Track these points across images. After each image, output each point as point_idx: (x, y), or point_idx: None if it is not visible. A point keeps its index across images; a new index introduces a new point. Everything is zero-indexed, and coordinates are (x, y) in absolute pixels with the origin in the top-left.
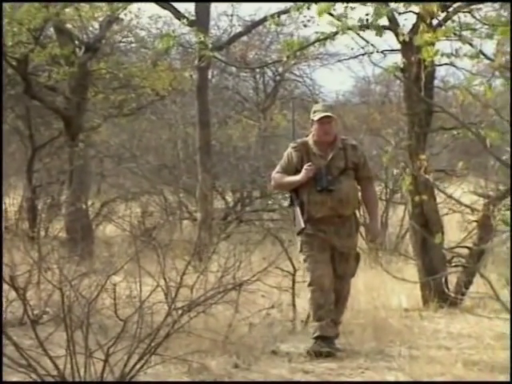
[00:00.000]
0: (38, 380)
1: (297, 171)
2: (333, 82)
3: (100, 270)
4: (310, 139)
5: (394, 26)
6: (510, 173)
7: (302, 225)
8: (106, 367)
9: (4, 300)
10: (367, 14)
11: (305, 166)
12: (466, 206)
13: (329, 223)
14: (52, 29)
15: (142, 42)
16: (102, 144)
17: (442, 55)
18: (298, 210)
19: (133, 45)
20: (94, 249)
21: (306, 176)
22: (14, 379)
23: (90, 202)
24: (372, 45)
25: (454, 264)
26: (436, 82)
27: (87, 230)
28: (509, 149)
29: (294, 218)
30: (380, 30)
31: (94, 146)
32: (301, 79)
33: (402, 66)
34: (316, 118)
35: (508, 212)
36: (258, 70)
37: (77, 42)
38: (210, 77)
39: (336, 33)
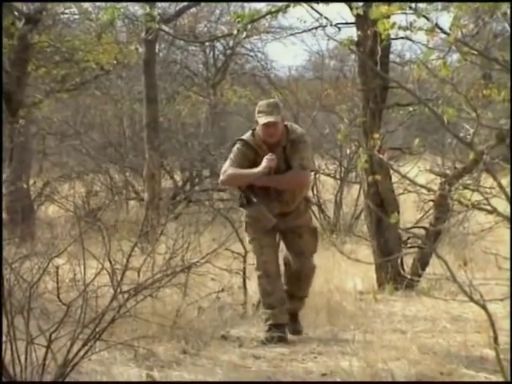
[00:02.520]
0: None
1: (248, 168)
2: (286, 56)
3: (42, 253)
4: (256, 137)
5: None
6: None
7: (274, 220)
8: (49, 354)
9: None
10: None
11: (266, 157)
12: (421, 186)
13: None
14: None
15: (86, 14)
16: (43, 120)
17: (399, 28)
18: (262, 207)
19: (76, 16)
20: (36, 230)
21: (268, 165)
22: None
23: (31, 182)
24: (326, 18)
25: (409, 245)
26: (392, 57)
27: (28, 210)
28: (466, 125)
29: (256, 217)
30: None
31: (36, 122)
32: (252, 53)
33: (356, 39)
34: (260, 123)
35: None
36: (207, 44)
37: (16, 13)
38: (157, 50)
39: (288, 5)
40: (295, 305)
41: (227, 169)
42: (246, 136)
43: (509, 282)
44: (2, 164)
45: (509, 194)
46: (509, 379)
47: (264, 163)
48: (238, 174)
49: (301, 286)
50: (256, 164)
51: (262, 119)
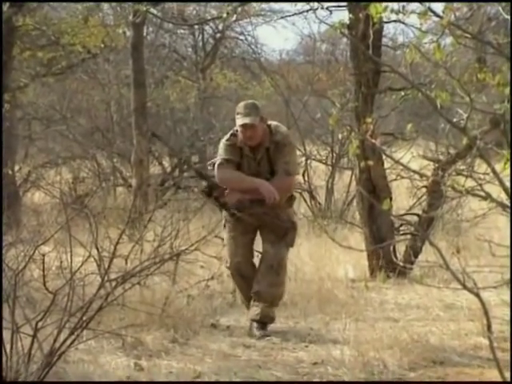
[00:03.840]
0: None
1: (238, 165)
2: (276, 39)
3: (28, 240)
4: (238, 137)
5: None
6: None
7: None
8: (35, 343)
9: None
10: None
11: (267, 188)
12: (414, 171)
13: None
14: None
15: None
16: (29, 105)
17: (392, 11)
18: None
19: None
20: (22, 217)
21: (268, 197)
22: None
23: (16, 168)
24: (317, 0)
25: (402, 232)
26: (385, 41)
27: (14, 197)
28: (460, 110)
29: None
30: None
31: (21, 107)
32: (242, 37)
33: (348, 22)
34: (238, 124)
35: (459, 177)
36: (196, 27)
37: None
38: (145, 34)
39: None
40: (265, 309)
41: (223, 169)
42: (227, 138)
43: (506, 270)
44: (1, 160)
45: (505, 181)
46: (509, 379)
47: (265, 191)
48: (240, 180)
49: (271, 281)
50: (240, 165)
51: (239, 121)
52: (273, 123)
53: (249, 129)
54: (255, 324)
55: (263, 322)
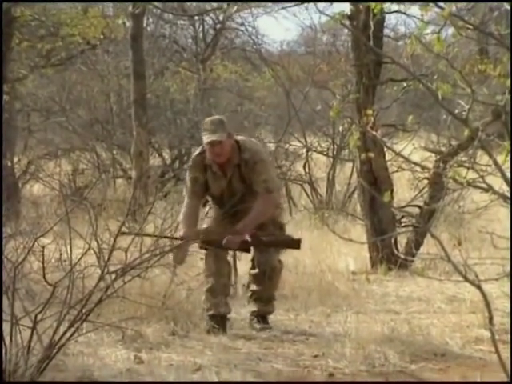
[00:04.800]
0: None
1: (206, 189)
2: (277, 30)
3: (27, 232)
4: (207, 155)
5: None
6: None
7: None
8: (34, 335)
9: None
10: None
11: (229, 239)
12: (416, 163)
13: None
14: None
15: None
16: (28, 96)
17: (393, 2)
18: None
19: None
20: (21, 209)
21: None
22: None
23: (15, 159)
24: None
25: (403, 224)
26: (386, 32)
27: (13, 188)
28: (461, 101)
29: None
30: None
31: (20, 98)
32: (243, 28)
33: (349, 13)
34: (205, 141)
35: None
36: (196, 18)
37: None
38: (145, 25)
39: None
40: (262, 308)
41: (187, 208)
42: (196, 155)
43: (508, 262)
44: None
45: (507, 173)
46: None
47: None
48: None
49: (265, 286)
50: (208, 183)
51: (206, 138)
52: (241, 139)
53: (216, 146)
54: (255, 317)
55: (263, 315)
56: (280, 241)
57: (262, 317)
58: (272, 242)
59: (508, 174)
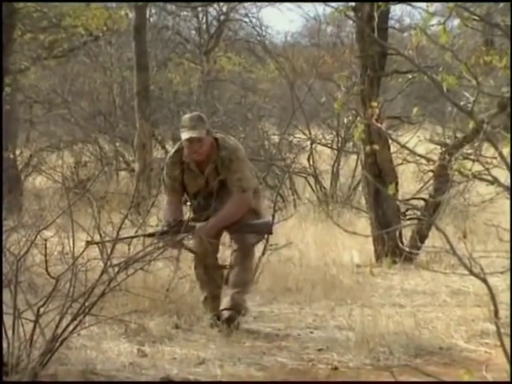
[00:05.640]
0: None
1: (182, 186)
2: (281, 22)
3: (29, 225)
4: (184, 152)
5: None
6: None
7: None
8: (37, 328)
9: None
10: None
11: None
12: (421, 156)
13: None
14: None
15: None
16: (30, 88)
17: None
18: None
19: None
20: (23, 201)
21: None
22: None
23: (17, 152)
24: None
25: (408, 217)
26: (391, 23)
27: (15, 181)
28: (467, 93)
29: None
30: None
31: (22, 90)
32: (247, 19)
33: (354, 4)
34: (183, 138)
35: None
36: (200, 9)
37: None
38: (148, 16)
39: None
40: (234, 298)
41: (168, 204)
42: (174, 152)
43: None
44: (1, 158)
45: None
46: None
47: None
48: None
49: (239, 265)
50: (184, 180)
51: (184, 134)
52: (220, 136)
53: (195, 143)
54: (224, 315)
55: (234, 309)
56: (251, 226)
57: (233, 307)
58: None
59: None
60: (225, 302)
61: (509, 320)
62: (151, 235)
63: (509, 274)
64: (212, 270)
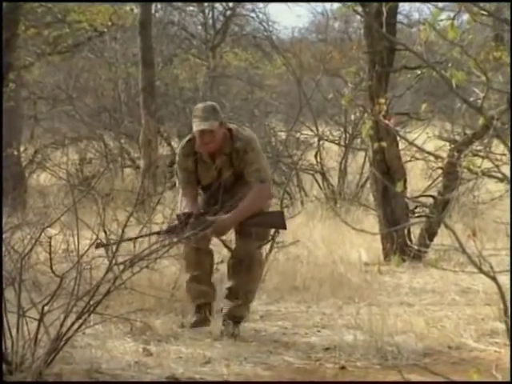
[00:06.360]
0: None
1: (196, 177)
2: (288, 17)
3: (34, 222)
4: (196, 143)
5: None
6: None
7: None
8: (41, 327)
9: None
10: None
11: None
12: (429, 153)
13: None
14: None
15: None
16: (35, 84)
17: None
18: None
19: None
20: (27, 199)
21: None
22: None
23: (22, 148)
24: None
25: (417, 214)
26: (400, 18)
27: (19, 178)
28: (476, 89)
29: None
30: None
31: (27, 86)
32: (253, 14)
33: None
34: (195, 129)
35: (475, 158)
36: (206, 4)
37: None
38: (153, 11)
39: None
40: (234, 308)
41: (184, 197)
42: (185, 142)
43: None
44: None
45: None
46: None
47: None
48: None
49: (242, 278)
50: (198, 171)
51: (196, 126)
52: (234, 127)
53: (207, 134)
54: (226, 320)
55: (233, 320)
56: (264, 215)
57: (232, 319)
58: (255, 222)
59: None
60: (225, 309)
61: None
62: (167, 231)
63: None
64: (203, 254)
